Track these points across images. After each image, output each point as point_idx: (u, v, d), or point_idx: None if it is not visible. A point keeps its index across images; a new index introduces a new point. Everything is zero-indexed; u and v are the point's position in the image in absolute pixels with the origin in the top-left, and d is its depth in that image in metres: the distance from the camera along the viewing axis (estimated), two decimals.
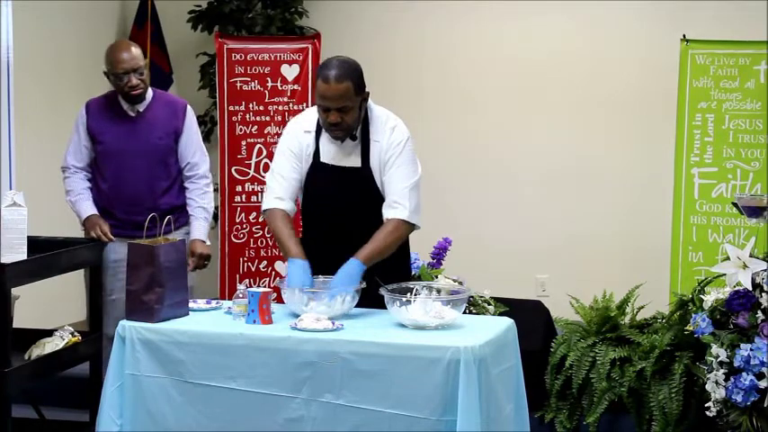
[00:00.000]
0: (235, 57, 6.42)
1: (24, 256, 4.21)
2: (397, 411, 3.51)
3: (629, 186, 6.93)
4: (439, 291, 3.90)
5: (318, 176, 4.15)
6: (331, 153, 4.13)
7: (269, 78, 6.44)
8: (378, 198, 4.11)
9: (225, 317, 3.93)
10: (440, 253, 5.30)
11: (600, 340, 4.87)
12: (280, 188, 4.14)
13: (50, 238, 4.65)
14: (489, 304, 5.06)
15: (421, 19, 7.21)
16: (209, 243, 5.03)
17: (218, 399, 3.68)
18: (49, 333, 4.50)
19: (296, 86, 6.45)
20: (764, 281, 4.47)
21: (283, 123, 6.31)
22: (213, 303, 4.13)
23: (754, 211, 4.69)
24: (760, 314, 4.46)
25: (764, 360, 4.31)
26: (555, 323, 5.17)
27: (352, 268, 3.92)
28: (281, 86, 6.46)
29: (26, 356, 4.36)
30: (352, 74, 3.99)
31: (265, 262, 6.50)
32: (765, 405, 4.34)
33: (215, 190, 5.62)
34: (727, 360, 4.38)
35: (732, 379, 4.35)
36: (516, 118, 7.09)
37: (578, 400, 4.84)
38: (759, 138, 6.03)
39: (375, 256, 3.97)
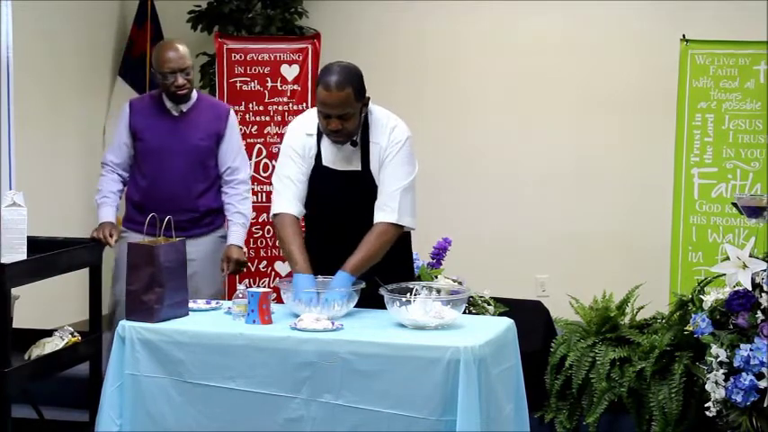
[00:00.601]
0: (234, 57, 6.43)
1: (24, 256, 4.21)
2: (397, 411, 3.51)
3: (629, 186, 6.93)
4: (439, 291, 3.90)
5: (320, 179, 4.15)
6: (332, 157, 4.13)
7: (269, 78, 6.44)
8: None
9: (225, 317, 3.93)
10: (439, 253, 5.31)
11: (600, 340, 4.87)
12: (288, 191, 4.13)
13: (50, 238, 4.65)
14: (489, 304, 5.07)
15: (421, 19, 7.20)
16: (245, 249, 5.02)
17: (218, 399, 3.68)
18: (48, 333, 4.50)
19: (296, 86, 6.46)
20: (764, 281, 4.47)
21: (283, 123, 6.32)
22: (213, 303, 4.13)
23: (753, 212, 4.70)
24: (760, 314, 4.46)
25: (764, 360, 4.31)
26: (555, 323, 5.18)
27: (341, 281, 3.91)
28: (281, 86, 6.46)
29: (26, 356, 4.36)
30: (353, 80, 3.98)
31: (265, 262, 6.51)
32: (765, 405, 4.34)
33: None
34: (727, 360, 4.38)
35: (732, 379, 4.35)
36: (516, 118, 7.09)
37: (578, 401, 4.84)
38: (759, 138, 6.03)
39: (364, 264, 3.97)
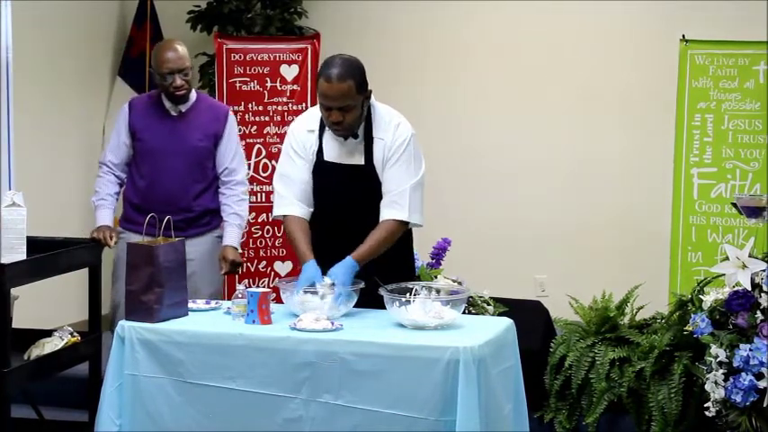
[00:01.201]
0: (234, 57, 6.43)
1: (24, 256, 4.21)
2: (397, 411, 3.51)
3: (629, 186, 6.92)
4: (438, 291, 3.90)
5: (322, 174, 4.15)
6: (335, 151, 4.13)
7: (268, 78, 6.44)
8: (380, 195, 4.11)
9: (224, 317, 3.93)
10: (439, 253, 5.31)
11: (599, 340, 4.87)
12: (291, 192, 4.14)
13: (50, 238, 4.65)
14: (488, 304, 5.06)
15: (421, 19, 7.20)
16: (240, 250, 5.02)
17: (218, 399, 3.68)
18: (48, 333, 4.50)
19: (295, 86, 6.46)
20: (763, 281, 4.47)
21: (283, 123, 6.32)
22: (212, 303, 4.13)
23: (753, 212, 4.70)
24: (759, 314, 4.46)
25: (763, 360, 4.31)
26: (554, 323, 5.18)
27: (346, 267, 3.93)
28: (281, 87, 6.46)
29: (25, 357, 4.36)
30: (354, 72, 3.99)
31: (265, 262, 6.51)
32: (764, 405, 4.34)
33: None
34: (727, 360, 4.39)
35: (731, 379, 4.35)
36: (516, 118, 7.08)
37: (577, 401, 4.84)
38: (758, 138, 6.03)
39: (370, 254, 4.00)
